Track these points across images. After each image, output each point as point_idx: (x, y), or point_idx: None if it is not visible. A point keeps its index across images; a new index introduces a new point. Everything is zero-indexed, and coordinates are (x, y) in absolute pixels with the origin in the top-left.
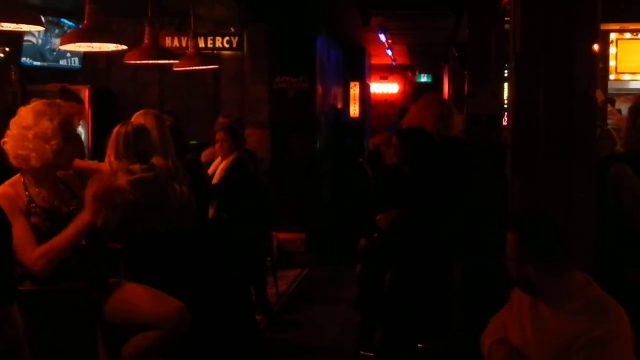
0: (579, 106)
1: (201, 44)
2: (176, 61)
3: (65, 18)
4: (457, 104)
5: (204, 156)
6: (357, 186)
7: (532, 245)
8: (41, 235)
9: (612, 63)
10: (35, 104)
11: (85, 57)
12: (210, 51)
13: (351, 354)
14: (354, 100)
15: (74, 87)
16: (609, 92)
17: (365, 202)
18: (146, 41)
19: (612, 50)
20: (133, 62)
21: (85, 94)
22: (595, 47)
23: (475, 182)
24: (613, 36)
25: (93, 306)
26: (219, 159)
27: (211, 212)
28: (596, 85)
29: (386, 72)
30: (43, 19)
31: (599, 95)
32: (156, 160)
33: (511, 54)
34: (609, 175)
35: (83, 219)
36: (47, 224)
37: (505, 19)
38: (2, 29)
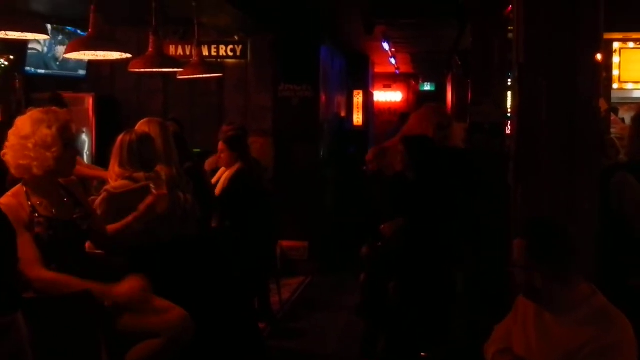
0: (582, 115)
1: (205, 53)
2: (180, 69)
3: (70, 26)
4: (460, 113)
5: (208, 164)
6: (360, 195)
7: (541, 253)
8: (44, 244)
9: (615, 72)
10: (31, 113)
11: (90, 65)
12: (214, 59)
13: None
14: (358, 108)
15: (78, 95)
16: (612, 101)
17: (368, 211)
18: (150, 49)
19: (616, 59)
20: (137, 70)
21: (89, 102)
22: (599, 56)
23: (477, 190)
24: (616, 45)
25: (96, 313)
26: (222, 168)
27: (214, 220)
28: (599, 95)
29: (390, 80)
30: (49, 27)
31: (602, 105)
32: (160, 168)
33: (514, 63)
34: (612, 183)
35: (98, 289)
36: (49, 232)
37: (509, 27)
38: (6, 37)
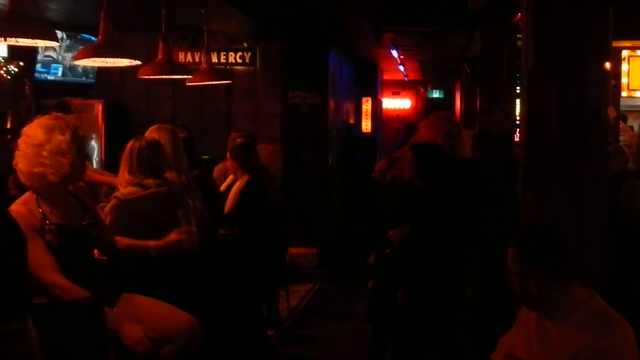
0: (590, 123)
1: (214, 59)
2: (189, 76)
3: (82, 33)
4: (469, 120)
5: (217, 171)
6: (369, 201)
7: (532, 258)
8: (55, 251)
9: (624, 80)
10: (40, 120)
11: (99, 72)
12: (223, 66)
13: None
14: (366, 115)
15: (87, 102)
16: (621, 109)
17: (376, 218)
18: (160, 56)
19: (624, 67)
20: (146, 77)
21: (99, 108)
22: (607, 64)
23: (485, 199)
24: (625, 53)
25: (106, 319)
26: (231, 176)
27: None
28: (608, 103)
29: (398, 87)
30: (62, 33)
31: (611, 113)
32: (170, 175)
33: (523, 71)
34: (621, 191)
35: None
36: (60, 240)
37: (518, 35)
38: (17, 44)
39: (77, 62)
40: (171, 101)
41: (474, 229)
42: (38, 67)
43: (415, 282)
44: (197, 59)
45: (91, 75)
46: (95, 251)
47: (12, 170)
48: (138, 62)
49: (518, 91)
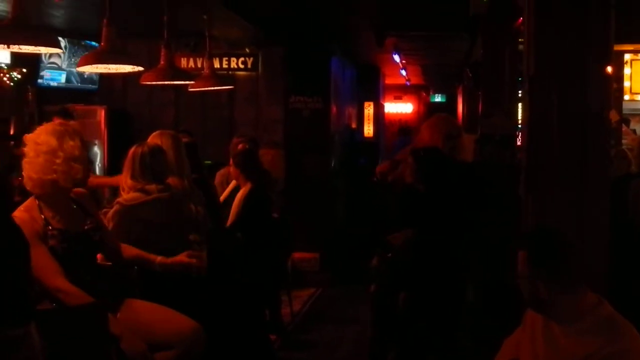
0: (593, 127)
1: (216, 65)
2: (191, 82)
3: (84, 39)
4: (471, 124)
5: (219, 176)
6: (371, 206)
7: (542, 263)
8: (58, 256)
9: (626, 84)
10: (47, 127)
11: (102, 78)
12: (226, 72)
13: None
14: (369, 120)
15: (90, 108)
16: (623, 112)
17: (378, 221)
18: (162, 62)
19: (627, 70)
20: (149, 83)
21: (101, 114)
22: (609, 68)
23: (487, 202)
24: (627, 57)
25: (108, 324)
26: (234, 181)
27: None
28: (610, 106)
29: (400, 92)
30: (64, 40)
31: (614, 116)
32: (172, 180)
33: (525, 75)
34: (628, 193)
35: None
36: (63, 245)
37: (519, 39)
38: (20, 51)
39: (79, 69)
40: (173, 107)
41: (476, 232)
42: (41, 73)
43: (417, 286)
44: (199, 65)
45: (94, 82)
46: (99, 256)
47: (14, 175)
48: (140, 68)
49: (520, 95)
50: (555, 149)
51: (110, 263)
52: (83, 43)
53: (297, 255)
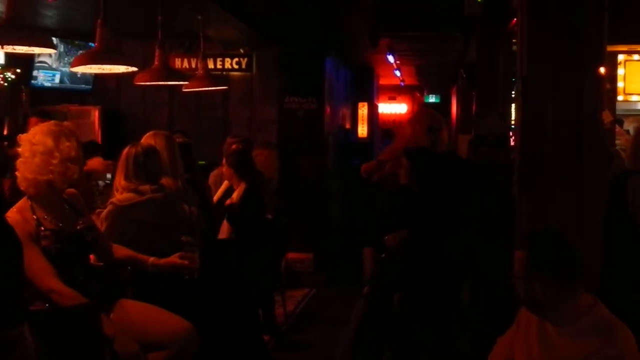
0: (586, 128)
1: (210, 65)
2: (186, 82)
3: (77, 39)
4: (465, 125)
5: (213, 176)
6: (365, 206)
7: (540, 263)
8: (52, 257)
9: (620, 84)
10: (42, 127)
11: (96, 78)
12: (220, 72)
13: None
14: (363, 120)
15: (84, 108)
16: (617, 113)
17: (369, 221)
18: (156, 63)
19: (621, 71)
20: (143, 83)
21: (95, 114)
22: (602, 69)
23: (482, 202)
24: (621, 57)
25: (101, 325)
26: (226, 182)
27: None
28: (603, 107)
29: (395, 92)
30: (57, 40)
31: (607, 117)
32: (166, 181)
33: (518, 76)
34: (628, 189)
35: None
36: (57, 245)
37: (514, 40)
38: (14, 51)
39: (73, 69)
40: (167, 107)
41: (471, 232)
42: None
43: (412, 286)
44: (193, 65)
45: (88, 82)
46: (92, 257)
47: (7, 176)
48: (134, 69)
49: (514, 95)
50: (549, 149)
51: (102, 264)
52: (77, 42)
53: (291, 255)
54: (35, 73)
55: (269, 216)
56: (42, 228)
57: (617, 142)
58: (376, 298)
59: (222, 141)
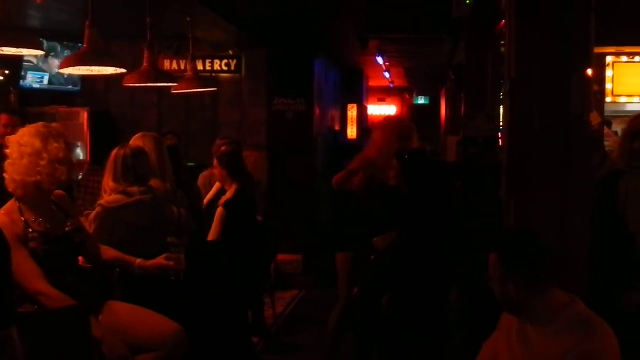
0: (574, 129)
1: (200, 67)
2: (175, 84)
3: (65, 40)
4: (454, 126)
5: (202, 178)
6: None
7: (511, 263)
8: (40, 259)
9: (608, 86)
10: (31, 129)
11: (84, 79)
12: (209, 74)
13: None
14: (352, 122)
15: (73, 110)
16: (605, 114)
17: (346, 226)
18: (145, 64)
19: (609, 73)
20: (132, 85)
21: (84, 116)
22: (590, 71)
23: (471, 204)
24: (609, 59)
25: (90, 327)
26: (218, 184)
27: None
28: (592, 109)
29: (384, 94)
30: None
31: (596, 118)
32: (154, 182)
33: (506, 78)
34: (619, 188)
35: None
36: (45, 247)
37: (502, 42)
38: (2, 53)
39: (62, 71)
40: (156, 109)
41: (460, 234)
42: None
43: (402, 288)
44: (182, 67)
45: (76, 84)
46: (80, 259)
47: None
48: (123, 70)
49: (502, 97)
50: (537, 151)
51: (90, 265)
52: (66, 44)
53: (280, 257)
54: (24, 74)
55: (259, 218)
56: (30, 230)
57: (605, 143)
58: (366, 300)
59: (211, 143)
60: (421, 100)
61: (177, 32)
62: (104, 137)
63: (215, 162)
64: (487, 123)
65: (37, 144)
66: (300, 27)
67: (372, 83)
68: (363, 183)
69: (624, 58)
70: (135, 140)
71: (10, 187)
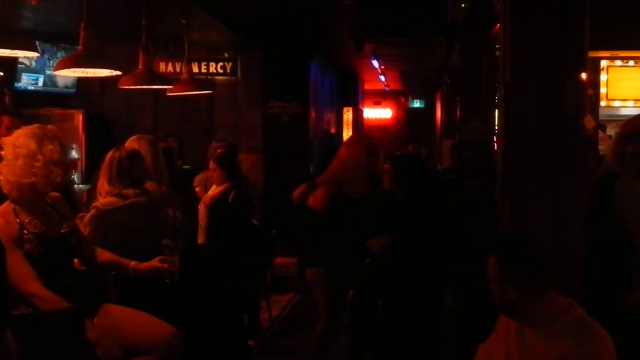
0: (568, 133)
1: (195, 69)
2: (170, 86)
3: (59, 42)
4: (449, 130)
5: (197, 181)
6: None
7: (510, 266)
8: (35, 261)
9: (603, 90)
10: (25, 130)
11: (80, 81)
12: (204, 76)
13: None
14: (347, 125)
15: (68, 112)
16: (600, 118)
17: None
18: (140, 66)
19: (603, 77)
20: (127, 87)
21: (79, 118)
22: (584, 75)
23: (465, 206)
24: (604, 63)
25: (85, 330)
26: (214, 186)
27: (201, 237)
28: (586, 112)
29: (379, 97)
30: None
31: (590, 122)
32: (150, 185)
33: (501, 82)
34: (615, 190)
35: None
36: (40, 249)
37: (497, 45)
38: None
39: (57, 72)
40: (152, 111)
41: (455, 237)
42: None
43: (397, 291)
44: (177, 69)
45: (72, 86)
46: (75, 261)
47: None
48: (118, 72)
49: (497, 101)
50: (531, 154)
51: (84, 268)
52: (62, 45)
53: (276, 260)
54: (19, 76)
55: (256, 222)
56: (25, 232)
57: (600, 147)
58: (361, 303)
59: (206, 145)
60: (416, 104)
61: (172, 34)
62: (99, 139)
63: (211, 164)
64: (482, 126)
65: (32, 145)
66: (295, 30)
67: (368, 86)
68: (326, 198)
69: (618, 62)
70: (131, 143)
71: (5, 188)
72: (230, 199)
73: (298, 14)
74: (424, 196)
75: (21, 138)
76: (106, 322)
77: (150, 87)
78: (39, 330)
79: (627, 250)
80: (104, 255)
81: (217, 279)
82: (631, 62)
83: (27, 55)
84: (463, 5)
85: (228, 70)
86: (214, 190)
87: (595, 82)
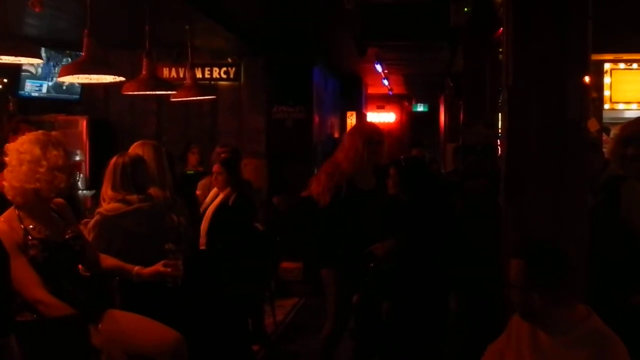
0: (571, 137)
1: (198, 75)
2: (174, 92)
3: (63, 49)
4: (453, 133)
5: (201, 186)
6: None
7: (540, 275)
8: (39, 266)
9: (606, 93)
10: (29, 136)
11: (83, 88)
12: (208, 82)
13: None
14: None
15: (72, 118)
16: (603, 121)
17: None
18: (144, 72)
19: (607, 80)
20: (131, 93)
21: (83, 124)
22: (587, 78)
23: (469, 211)
24: (607, 66)
25: (89, 336)
26: (215, 190)
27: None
28: (588, 116)
29: (383, 101)
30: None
31: (594, 125)
32: (153, 190)
33: (504, 86)
34: (622, 194)
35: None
36: (44, 255)
37: (499, 49)
38: (0, 61)
39: (60, 79)
40: (156, 117)
41: (458, 241)
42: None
43: (400, 295)
44: (181, 75)
45: (76, 92)
46: (80, 267)
47: None
48: (122, 79)
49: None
50: (534, 158)
51: (88, 273)
52: (67, 52)
53: (281, 265)
54: (23, 83)
55: (260, 227)
56: (30, 237)
57: (604, 150)
58: (364, 307)
59: (210, 150)
60: (420, 108)
61: (176, 40)
62: (103, 145)
63: (216, 167)
64: (486, 130)
65: (36, 151)
66: (298, 35)
67: (371, 90)
68: (329, 191)
69: (622, 65)
70: (134, 148)
71: (10, 194)
72: (230, 203)
73: (301, 18)
74: (428, 200)
75: (25, 144)
76: (110, 328)
77: (153, 92)
78: (43, 336)
79: (634, 252)
80: (107, 260)
81: (219, 282)
82: (635, 65)
83: (30, 62)
84: (466, 9)
85: (231, 76)
86: (212, 196)
87: (598, 85)
